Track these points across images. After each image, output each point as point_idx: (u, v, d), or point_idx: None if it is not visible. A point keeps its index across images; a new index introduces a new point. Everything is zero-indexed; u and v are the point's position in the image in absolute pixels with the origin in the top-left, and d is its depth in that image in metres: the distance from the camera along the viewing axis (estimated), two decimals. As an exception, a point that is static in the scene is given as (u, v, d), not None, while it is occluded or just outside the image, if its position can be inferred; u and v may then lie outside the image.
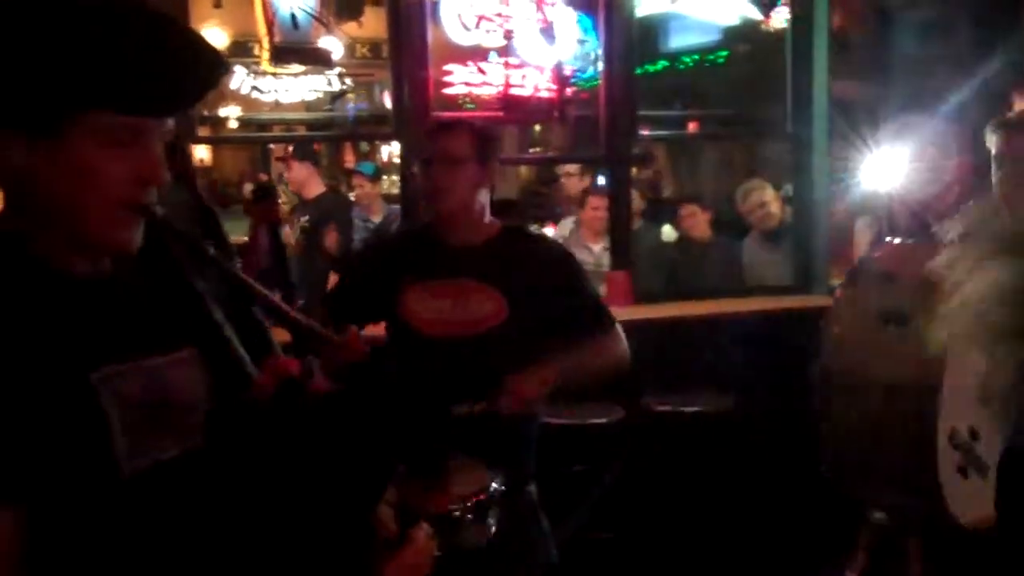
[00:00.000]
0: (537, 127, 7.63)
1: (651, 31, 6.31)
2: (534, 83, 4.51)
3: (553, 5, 4.53)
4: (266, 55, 5.78)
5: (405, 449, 1.80)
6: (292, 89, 7.18)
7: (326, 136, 9.16)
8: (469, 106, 4.41)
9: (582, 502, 3.78)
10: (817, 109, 4.81)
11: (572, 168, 6.22)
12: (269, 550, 1.18)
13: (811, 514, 3.56)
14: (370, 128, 8.84)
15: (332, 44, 6.12)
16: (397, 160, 7.17)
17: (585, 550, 3.71)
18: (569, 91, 4.65)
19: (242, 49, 6.96)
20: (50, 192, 1.11)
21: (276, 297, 1.29)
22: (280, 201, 5.47)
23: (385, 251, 2.86)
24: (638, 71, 4.97)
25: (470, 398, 2.19)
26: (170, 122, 1.19)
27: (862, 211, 4.48)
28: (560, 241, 5.25)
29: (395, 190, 6.54)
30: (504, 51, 4.45)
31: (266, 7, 5.57)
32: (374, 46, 7.53)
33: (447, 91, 4.35)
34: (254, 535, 1.18)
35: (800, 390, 2.92)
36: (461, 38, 4.37)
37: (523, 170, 8.22)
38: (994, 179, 2.79)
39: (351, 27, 6.61)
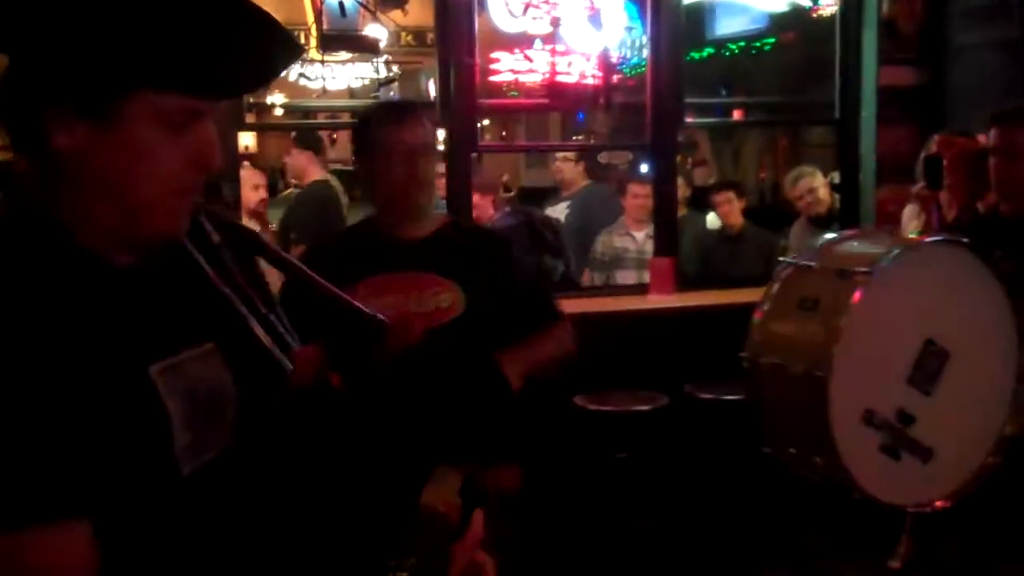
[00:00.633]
0: (581, 114, 7.62)
1: (697, 18, 6.28)
2: (580, 70, 4.51)
3: (600, -8, 4.53)
4: (314, 43, 5.82)
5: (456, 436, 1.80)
6: (339, 76, 7.23)
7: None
8: (513, 93, 4.43)
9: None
10: (866, 95, 4.77)
11: (569, 153, 6.13)
12: (320, 542, 1.15)
13: (853, 502, 3.54)
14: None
15: (378, 32, 6.16)
16: (441, 147, 7.19)
17: (626, 538, 3.73)
18: (615, 78, 4.64)
19: (290, 37, 7.01)
20: (104, 175, 1.05)
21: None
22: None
23: (329, 252, 2.53)
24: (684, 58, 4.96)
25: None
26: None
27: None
28: (558, 222, 5.24)
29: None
30: (550, 38, 4.45)
31: (314, -5, 5.63)
32: (419, 34, 7.56)
33: (493, 79, 4.37)
34: (303, 531, 1.14)
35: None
36: (508, 25, 4.38)
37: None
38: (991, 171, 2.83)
39: (396, 15, 6.65)
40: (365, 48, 6.23)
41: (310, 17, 5.73)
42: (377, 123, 2.32)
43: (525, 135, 9.60)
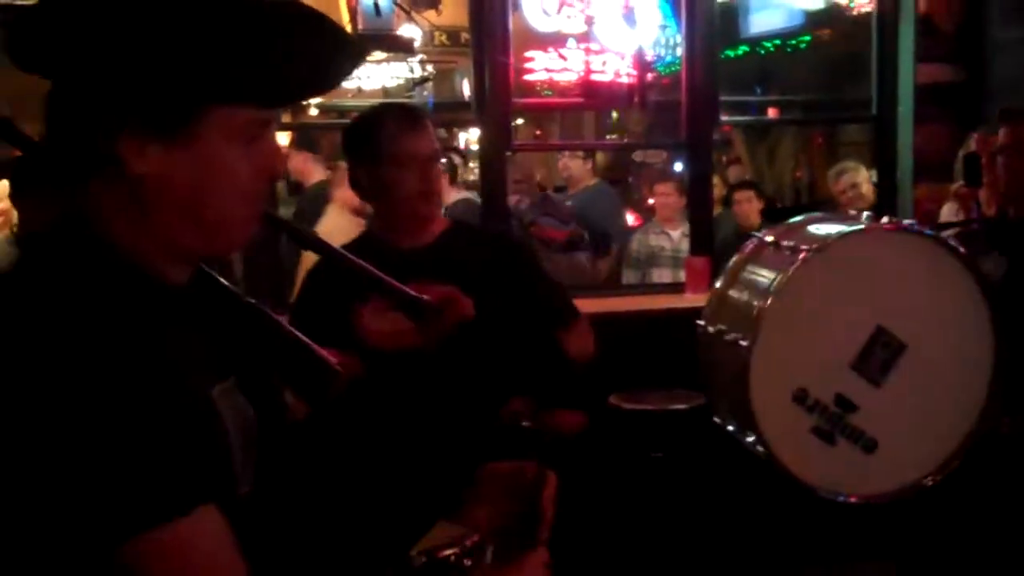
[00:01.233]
0: (615, 113, 7.62)
1: (732, 15, 6.26)
2: (615, 68, 4.51)
3: (635, -10, 4.53)
4: (349, 42, 5.85)
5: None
6: (374, 76, 7.26)
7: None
8: (547, 92, 4.44)
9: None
10: (903, 92, 4.73)
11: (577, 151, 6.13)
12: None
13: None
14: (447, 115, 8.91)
15: (412, 31, 6.19)
16: (475, 147, 7.23)
17: (661, 537, 3.73)
18: (649, 76, 4.64)
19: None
20: (184, 195, 1.03)
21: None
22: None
23: (331, 272, 2.26)
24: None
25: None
26: None
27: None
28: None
29: (471, 177, 6.59)
30: (585, 37, 4.46)
31: (349, -5, 5.66)
32: (453, 33, 7.59)
33: (527, 77, 4.38)
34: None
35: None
36: (542, 24, 4.39)
37: (599, 156, 8.21)
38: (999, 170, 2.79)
39: (430, 14, 6.68)
40: (400, 48, 6.26)
41: (345, 17, 5.76)
42: (387, 130, 2.22)
43: (560, 134, 9.61)
